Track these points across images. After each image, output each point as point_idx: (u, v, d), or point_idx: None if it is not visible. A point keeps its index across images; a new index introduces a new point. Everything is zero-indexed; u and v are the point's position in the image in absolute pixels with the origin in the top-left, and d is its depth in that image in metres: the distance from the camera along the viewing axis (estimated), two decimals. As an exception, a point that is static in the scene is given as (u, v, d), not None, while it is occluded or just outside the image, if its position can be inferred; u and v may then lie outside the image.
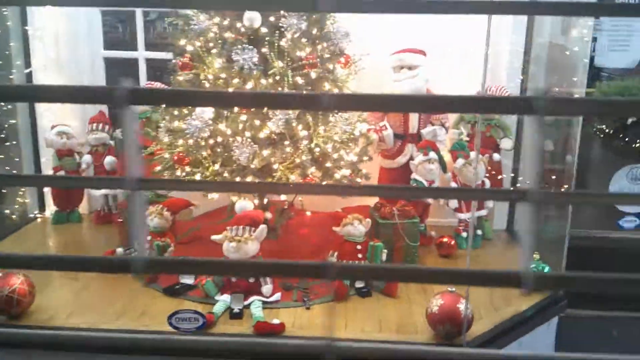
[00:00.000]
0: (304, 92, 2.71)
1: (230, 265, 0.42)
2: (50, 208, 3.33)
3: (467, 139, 3.19)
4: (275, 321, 2.39)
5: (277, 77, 2.72)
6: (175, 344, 0.48)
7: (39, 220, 3.33)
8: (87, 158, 3.18)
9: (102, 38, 3.49)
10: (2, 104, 3.15)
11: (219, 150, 2.70)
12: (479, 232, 3.17)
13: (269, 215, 2.85)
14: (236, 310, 2.48)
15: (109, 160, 3.18)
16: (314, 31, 2.80)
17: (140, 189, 0.44)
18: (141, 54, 3.51)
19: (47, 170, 3.24)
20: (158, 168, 2.80)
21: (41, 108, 3.27)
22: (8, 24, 3.25)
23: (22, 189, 3.26)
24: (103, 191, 3.20)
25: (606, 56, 3.43)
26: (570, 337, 2.95)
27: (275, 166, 2.68)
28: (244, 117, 2.67)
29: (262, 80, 2.70)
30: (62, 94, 0.51)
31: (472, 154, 3.05)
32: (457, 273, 0.45)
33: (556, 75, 3.41)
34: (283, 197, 2.82)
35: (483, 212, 3.18)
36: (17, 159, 3.24)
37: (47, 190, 3.31)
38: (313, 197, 3.15)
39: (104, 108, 3.37)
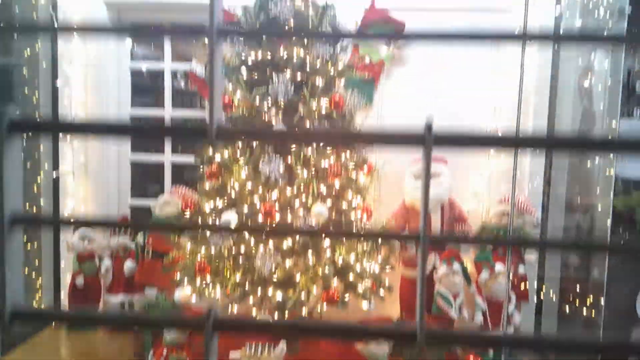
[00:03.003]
0: (328, 201, 2.72)
1: None
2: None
3: (490, 251, 3.13)
4: None
5: (302, 186, 2.75)
6: None
7: (53, 326, 3.25)
8: (106, 262, 3.16)
9: (130, 142, 3.60)
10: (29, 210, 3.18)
11: (240, 260, 2.67)
12: (507, 348, 3.02)
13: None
14: None
15: (128, 265, 3.15)
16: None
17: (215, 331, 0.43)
18: (167, 158, 3.59)
19: (67, 274, 3.22)
20: (178, 276, 2.77)
21: (67, 210, 3.30)
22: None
23: (39, 294, 3.21)
24: (120, 298, 3.15)
25: (629, 166, 3.45)
26: None
27: (297, 278, 2.63)
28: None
29: (287, 190, 2.72)
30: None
31: (497, 266, 2.99)
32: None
33: (578, 184, 3.42)
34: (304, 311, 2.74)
35: (510, 330, 3.06)
36: (37, 260, 3.23)
37: (62, 295, 3.26)
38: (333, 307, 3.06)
39: (127, 212, 3.40)
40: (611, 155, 2.95)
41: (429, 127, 0.45)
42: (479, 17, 3.20)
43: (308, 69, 2.71)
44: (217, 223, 2.72)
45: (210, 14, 0.45)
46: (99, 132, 0.50)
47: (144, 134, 0.51)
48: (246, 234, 2.67)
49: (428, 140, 0.45)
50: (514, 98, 3.01)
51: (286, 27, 2.66)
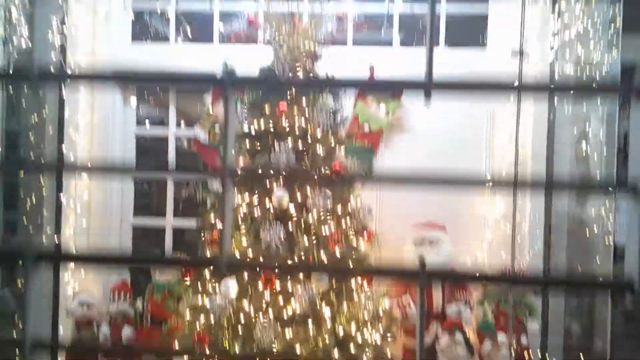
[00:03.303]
0: (329, 269, 2.72)
1: None
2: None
3: (492, 320, 3.10)
4: None
5: (302, 255, 2.75)
6: None
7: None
8: (104, 330, 3.12)
9: (132, 206, 3.63)
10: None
11: (240, 330, 2.64)
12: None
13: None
14: None
15: (126, 331, 3.11)
16: (339, 209, 2.89)
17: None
18: (168, 221, 3.61)
19: (65, 340, 3.18)
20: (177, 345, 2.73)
21: (67, 277, 3.29)
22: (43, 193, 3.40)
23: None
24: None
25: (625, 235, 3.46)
26: None
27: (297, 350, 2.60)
28: (268, 295, 2.66)
29: (288, 258, 2.73)
30: None
31: (500, 336, 2.96)
32: None
33: (578, 252, 3.42)
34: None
35: (515, 400, 2.99)
36: (36, 328, 3.18)
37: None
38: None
39: (126, 277, 3.39)
40: (609, 225, 2.97)
41: (422, 264, 0.47)
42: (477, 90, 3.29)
43: (309, 139, 2.77)
44: (217, 289, 2.70)
45: (224, 161, 0.48)
46: (115, 262, 0.52)
47: (158, 263, 0.53)
48: (245, 303, 2.66)
49: (422, 276, 0.47)
50: (511, 164, 3.08)
51: (288, 99, 2.74)
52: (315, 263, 2.74)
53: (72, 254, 0.52)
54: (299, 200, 2.80)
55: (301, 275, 2.71)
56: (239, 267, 0.50)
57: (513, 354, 2.90)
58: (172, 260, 0.51)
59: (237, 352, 2.58)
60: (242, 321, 2.64)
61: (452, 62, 3.28)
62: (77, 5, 3.34)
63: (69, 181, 3.35)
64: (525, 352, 3.09)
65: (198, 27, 3.50)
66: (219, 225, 2.82)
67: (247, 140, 2.83)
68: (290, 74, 2.76)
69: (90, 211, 3.46)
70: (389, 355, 2.77)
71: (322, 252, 2.76)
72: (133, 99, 3.65)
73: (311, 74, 2.83)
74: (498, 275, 0.48)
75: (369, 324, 2.75)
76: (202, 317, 2.72)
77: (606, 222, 3.06)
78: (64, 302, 3.24)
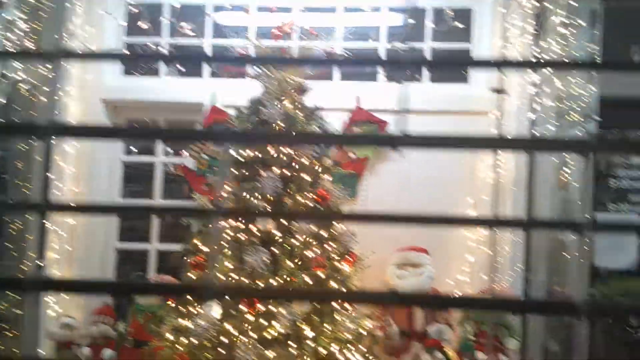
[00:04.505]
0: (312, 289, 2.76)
1: None
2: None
3: (474, 338, 3.15)
4: None
5: (287, 277, 2.80)
6: None
7: None
8: (85, 351, 3.11)
9: (117, 230, 3.65)
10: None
11: (222, 351, 2.66)
12: None
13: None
14: None
15: (107, 353, 3.11)
16: (323, 233, 2.95)
17: None
18: (154, 246, 3.64)
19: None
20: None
21: (50, 298, 3.28)
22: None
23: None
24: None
25: (606, 256, 3.54)
26: None
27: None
28: (250, 317, 2.69)
29: (272, 280, 2.77)
30: None
31: (480, 356, 3.01)
32: None
33: (557, 275, 3.50)
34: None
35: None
36: (16, 350, 3.16)
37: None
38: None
39: (108, 300, 3.39)
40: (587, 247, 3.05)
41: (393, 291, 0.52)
42: (459, 119, 3.40)
43: (296, 166, 2.85)
44: (201, 314, 2.73)
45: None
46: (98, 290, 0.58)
47: (143, 291, 0.59)
48: (227, 325, 2.67)
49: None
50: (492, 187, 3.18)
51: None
52: (297, 287, 2.78)
53: (55, 280, 0.58)
54: (284, 224, 2.86)
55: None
56: (224, 294, 0.54)
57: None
58: (157, 286, 0.56)
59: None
60: (224, 343, 2.66)
61: (435, 97, 3.42)
62: (70, 39, 3.41)
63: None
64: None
65: (190, 61, 3.57)
66: (204, 248, 2.86)
67: (235, 167, 2.90)
68: (278, 106, 2.84)
69: (75, 235, 3.48)
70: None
71: (305, 275, 2.81)
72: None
73: (299, 105, 2.92)
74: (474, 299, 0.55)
75: (350, 344, 2.78)
76: (184, 339, 2.73)
77: (584, 245, 3.12)
78: (46, 324, 3.24)
